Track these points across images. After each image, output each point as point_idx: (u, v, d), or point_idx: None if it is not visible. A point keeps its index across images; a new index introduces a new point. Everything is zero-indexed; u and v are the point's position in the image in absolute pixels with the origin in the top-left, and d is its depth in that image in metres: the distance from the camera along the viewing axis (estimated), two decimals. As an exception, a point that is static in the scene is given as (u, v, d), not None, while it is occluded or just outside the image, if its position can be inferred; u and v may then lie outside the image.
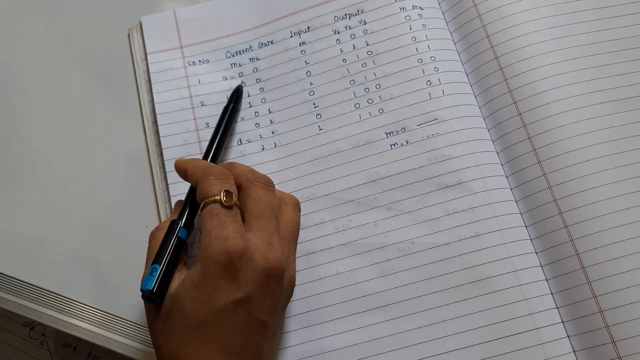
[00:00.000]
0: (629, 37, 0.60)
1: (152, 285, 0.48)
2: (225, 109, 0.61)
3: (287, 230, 0.52)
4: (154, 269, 0.48)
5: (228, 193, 0.49)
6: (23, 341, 0.69)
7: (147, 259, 0.51)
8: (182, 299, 0.46)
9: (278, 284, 0.48)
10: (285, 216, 0.53)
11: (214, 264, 0.46)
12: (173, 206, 0.57)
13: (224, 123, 0.60)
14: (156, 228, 0.53)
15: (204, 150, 0.61)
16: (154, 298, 0.48)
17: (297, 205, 0.55)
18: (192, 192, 0.53)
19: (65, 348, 0.68)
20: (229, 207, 0.48)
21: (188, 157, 0.55)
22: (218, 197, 0.48)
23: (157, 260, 0.49)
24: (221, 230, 0.47)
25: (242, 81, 0.64)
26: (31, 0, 0.72)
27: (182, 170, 0.53)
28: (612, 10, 0.61)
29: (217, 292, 0.46)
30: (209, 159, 0.57)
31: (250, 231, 0.48)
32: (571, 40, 0.59)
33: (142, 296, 0.48)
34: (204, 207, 0.49)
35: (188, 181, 0.53)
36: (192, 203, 0.53)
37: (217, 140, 0.58)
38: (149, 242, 0.52)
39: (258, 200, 0.50)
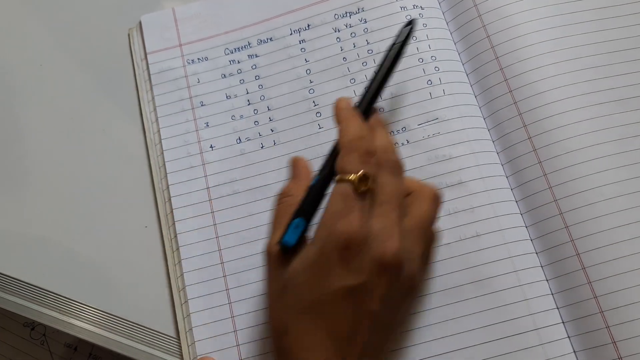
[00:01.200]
0: (629, 37, 0.59)
1: (296, 240, 0.48)
2: (391, 46, 0.55)
3: (415, 224, 0.49)
4: (300, 223, 0.48)
5: (364, 178, 0.46)
6: (24, 341, 0.69)
7: (276, 219, 0.51)
8: (299, 276, 0.47)
9: (394, 277, 0.46)
10: (418, 209, 0.50)
11: (332, 247, 0.45)
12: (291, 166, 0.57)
13: (386, 66, 0.54)
14: (284, 194, 0.52)
15: (203, 150, 0.61)
16: (287, 249, 0.48)
17: (435, 199, 0.51)
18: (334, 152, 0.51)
19: (66, 348, 0.68)
20: (361, 194, 0.46)
21: (346, 102, 0.53)
22: (354, 179, 0.46)
23: (303, 214, 0.48)
24: (346, 215, 0.45)
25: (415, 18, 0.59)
26: (31, 0, 0.71)
27: (336, 121, 0.52)
28: (612, 11, 0.60)
29: (331, 276, 0.45)
30: (362, 109, 0.53)
31: (372, 218, 0.46)
32: (571, 40, 0.59)
33: (278, 246, 0.48)
34: (337, 181, 0.47)
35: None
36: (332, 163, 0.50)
37: (374, 89, 0.54)
38: (278, 205, 0.52)
39: (383, 185, 0.48)
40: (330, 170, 0.49)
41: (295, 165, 0.55)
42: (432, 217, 0.51)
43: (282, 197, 0.52)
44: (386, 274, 0.45)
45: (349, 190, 0.46)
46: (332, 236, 0.45)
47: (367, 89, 0.53)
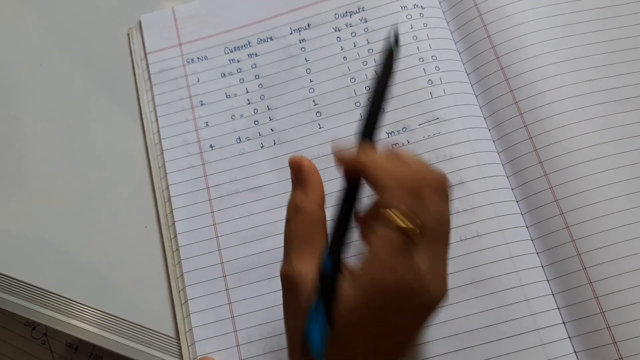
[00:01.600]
0: (629, 37, 0.59)
1: (322, 343, 0.40)
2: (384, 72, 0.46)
3: (433, 229, 0.42)
4: (318, 309, 0.40)
5: (412, 216, 0.40)
6: (25, 340, 0.69)
7: (290, 240, 0.45)
8: (349, 334, 0.41)
9: (433, 314, 0.42)
10: (430, 208, 0.42)
11: (383, 296, 0.40)
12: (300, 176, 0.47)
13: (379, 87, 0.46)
14: (295, 209, 0.45)
15: (203, 150, 0.61)
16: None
17: (442, 190, 0.43)
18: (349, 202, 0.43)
19: (67, 348, 0.68)
20: (411, 239, 0.40)
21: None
22: (400, 223, 0.40)
23: (322, 294, 0.41)
24: (396, 264, 0.40)
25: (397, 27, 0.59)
26: (31, 0, 0.71)
27: (355, 166, 0.44)
28: (612, 10, 0.60)
29: (384, 328, 0.41)
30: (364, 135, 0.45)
31: (419, 254, 0.40)
32: (572, 40, 0.59)
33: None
34: (381, 218, 0.40)
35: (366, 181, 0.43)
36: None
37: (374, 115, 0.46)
38: (291, 224, 0.45)
39: (431, 214, 0.41)
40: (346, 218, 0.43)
41: (301, 170, 0.47)
42: (446, 215, 0.43)
43: (294, 212, 0.45)
44: (431, 315, 0.42)
45: (396, 238, 0.40)
46: (381, 286, 0.40)
47: (367, 116, 0.46)
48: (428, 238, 0.40)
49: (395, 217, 0.40)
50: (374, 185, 0.42)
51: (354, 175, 0.43)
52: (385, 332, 0.41)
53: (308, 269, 0.43)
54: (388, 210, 0.40)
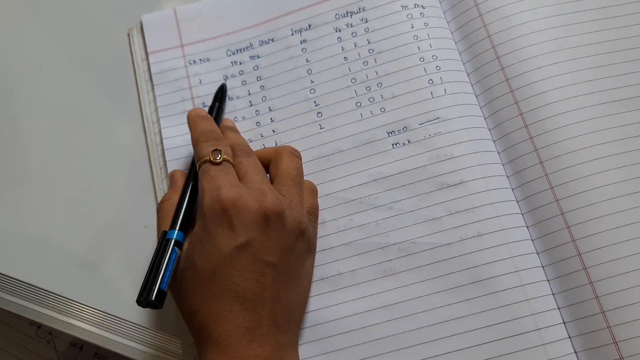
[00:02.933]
0: (630, 37, 0.59)
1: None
2: (210, 108, 0.62)
3: (282, 177, 0.54)
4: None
5: (215, 151, 0.52)
6: (30, 339, 0.69)
7: (158, 222, 0.55)
8: (192, 255, 0.49)
9: (279, 226, 0.50)
10: (280, 165, 0.55)
11: (211, 215, 0.48)
12: (169, 176, 0.60)
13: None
14: (163, 200, 0.56)
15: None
16: (155, 304, 0.48)
17: (290, 154, 0.56)
18: (185, 192, 0.55)
19: (71, 347, 0.69)
20: (218, 164, 0.51)
21: (196, 110, 0.58)
22: (208, 157, 0.52)
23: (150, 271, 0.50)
24: (212, 184, 0.50)
25: (225, 82, 0.65)
26: (31, 0, 0.71)
27: (188, 126, 0.57)
28: (613, 10, 0.60)
29: (219, 240, 0.48)
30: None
31: (240, 185, 0.51)
32: (572, 40, 0.59)
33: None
34: (198, 166, 0.52)
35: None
36: (188, 203, 0.54)
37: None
38: (158, 211, 0.55)
39: (241, 162, 0.53)
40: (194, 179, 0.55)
41: (172, 177, 0.58)
42: (295, 167, 0.56)
43: (162, 203, 0.55)
44: (270, 223, 0.49)
45: (208, 166, 0.51)
46: (208, 206, 0.49)
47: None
48: (243, 173, 0.53)
49: (206, 157, 0.52)
50: (192, 140, 0.56)
51: None
52: (217, 240, 0.49)
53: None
54: (198, 155, 0.54)
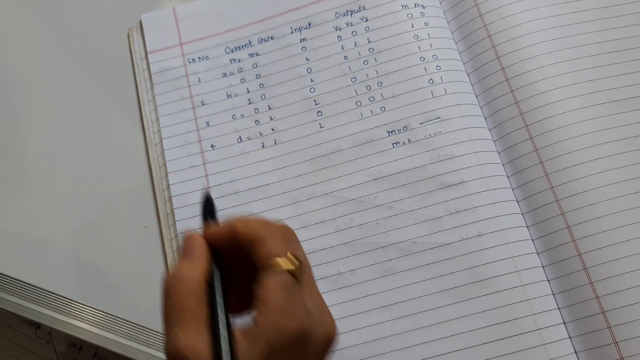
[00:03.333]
0: (630, 37, 0.59)
1: None
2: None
3: (307, 266, 0.45)
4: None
5: (296, 259, 0.42)
6: (29, 339, 0.69)
7: (170, 313, 0.41)
8: None
9: (333, 346, 0.44)
10: (299, 248, 0.46)
11: (282, 345, 0.40)
12: (181, 243, 0.49)
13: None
14: (176, 278, 0.42)
15: (203, 150, 0.61)
16: None
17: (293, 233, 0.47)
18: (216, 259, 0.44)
19: (70, 348, 0.68)
20: (297, 278, 0.42)
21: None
22: (287, 265, 0.42)
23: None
24: (292, 307, 0.41)
25: (209, 192, 0.57)
26: (31, 0, 0.71)
27: (229, 231, 0.44)
28: (613, 10, 0.60)
29: None
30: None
31: (306, 298, 0.43)
32: (572, 40, 0.59)
33: None
34: (268, 269, 0.42)
35: (241, 242, 0.44)
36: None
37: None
38: (170, 294, 0.42)
39: (301, 260, 0.44)
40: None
41: (189, 242, 0.45)
42: (305, 258, 0.46)
43: (175, 281, 0.42)
44: (330, 348, 0.44)
45: (287, 280, 0.41)
46: (281, 336, 0.39)
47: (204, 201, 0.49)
48: (305, 275, 0.43)
49: (284, 262, 0.42)
50: (252, 241, 0.43)
51: (224, 244, 0.45)
52: None
53: (198, 342, 0.40)
54: (277, 258, 0.42)
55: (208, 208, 0.48)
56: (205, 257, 0.44)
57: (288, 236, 0.44)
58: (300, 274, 0.42)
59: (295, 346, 0.40)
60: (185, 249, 0.45)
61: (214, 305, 0.41)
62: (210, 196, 0.49)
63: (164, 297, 0.42)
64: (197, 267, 0.43)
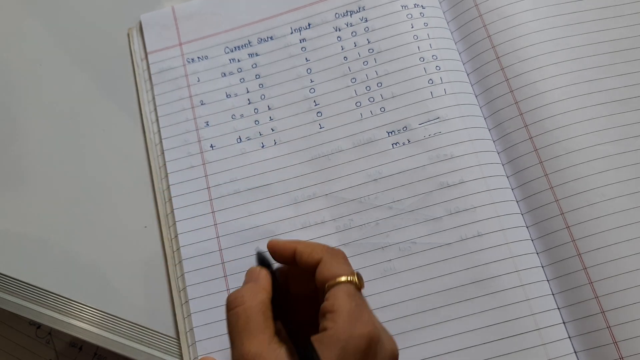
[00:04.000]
0: (630, 37, 0.59)
1: None
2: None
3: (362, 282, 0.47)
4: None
5: (360, 275, 0.45)
6: (29, 339, 0.69)
7: (231, 329, 0.44)
8: None
9: None
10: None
11: (355, 349, 0.41)
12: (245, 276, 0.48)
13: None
14: (235, 302, 0.44)
15: (203, 150, 0.61)
16: None
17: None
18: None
19: (71, 348, 0.69)
20: (359, 289, 0.44)
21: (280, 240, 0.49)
22: (352, 278, 0.44)
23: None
24: (360, 314, 0.42)
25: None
26: (31, 0, 0.71)
27: (289, 251, 0.47)
28: (613, 10, 0.61)
29: None
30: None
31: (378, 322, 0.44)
32: (572, 40, 0.59)
33: None
34: (334, 285, 0.44)
35: (301, 263, 0.46)
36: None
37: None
38: (231, 310, 0.44)
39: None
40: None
41: (253, 271, 0.48)
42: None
43: (241, 298, 0.44)
44: None
45: (353, 290, 0.43)
46: (355, 339, 0.41)
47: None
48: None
49: (349, 277, 0.44)
50: (317, 262, 0.45)
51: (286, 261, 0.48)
52: None
53: (265, 351, 0.42)
54: (335, 271, 0.44)
55: (261, 259, 0.48)
56: (268, 281, 0.46)
57: (346, 258, 0.46)
58: (362, 287, 0.45)
59: (367, 352, 0.41)
60: (248, 277, 0.47)
61: (286, 318, 0.44)
62: (262, 252, 0.49)
63: (229, 311, 0.44)
64: (262, 288, 0.45)
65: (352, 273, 0.44)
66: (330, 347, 0.41)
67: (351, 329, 0.41)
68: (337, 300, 0.43)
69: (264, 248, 0.53)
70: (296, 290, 0.48)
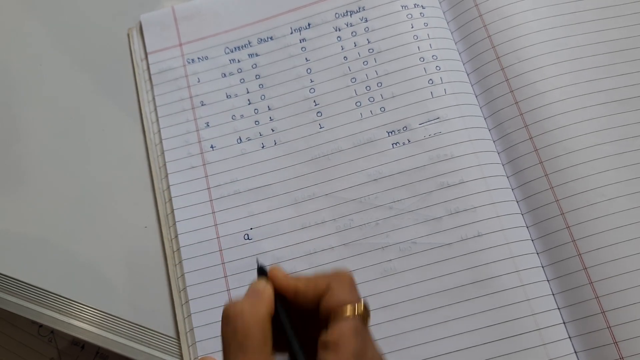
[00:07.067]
0: (629, 37, 0.59)
1: None
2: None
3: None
4: None
5: (366, 304, 0.42)
6: (32, 337, 0.69)
7: (226, 343, 0.41)
8: None
9: None
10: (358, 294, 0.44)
11: None
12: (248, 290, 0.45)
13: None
14: (234, 314, 0.41)
15: (203, 150, 0.61)
16: None
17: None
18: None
19: (73, 346, 0.69)
20: (365, 323, 0.42)
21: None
22: (359, 308, 0.41)
23: None
24: (365, 352, 0.40)
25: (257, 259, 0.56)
26: (31, 0, 0.71)
27: (290, 293, 0.44)
28: (613, 10, 0.60)
29: None
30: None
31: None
32: (572, 40, 0.59)
33: None
34: (341, 316, 0.41)
35: (306, 303, 0.43)
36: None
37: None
38: (226, 323, 0.41)
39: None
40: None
41: (255, 285, 0.44)
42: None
43: (239, 311, 0.41)
44: None
45: (360, 327, 0.41)
46: None
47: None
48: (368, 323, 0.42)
49: (354, 308, 0.41)
50: (321, 290, 0.42)
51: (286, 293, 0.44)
52: None
53: None
54: (348, 305, 0.41)
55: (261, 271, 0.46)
56: (270, 296, 0.43)
57: (353, 284, 0.43)
58: (367, 322, 0.42)
59: None
60: (251, 292, 0.44)
61: (290, 337, 0.42)
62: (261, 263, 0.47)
63: (225, 324, 0.41)
64: (262, 303, 0.42)
65: (358, 300, 0.42)
66: None
67: None
68: (343, 337, 0.40)
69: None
70: (297, 307, 0.45)
